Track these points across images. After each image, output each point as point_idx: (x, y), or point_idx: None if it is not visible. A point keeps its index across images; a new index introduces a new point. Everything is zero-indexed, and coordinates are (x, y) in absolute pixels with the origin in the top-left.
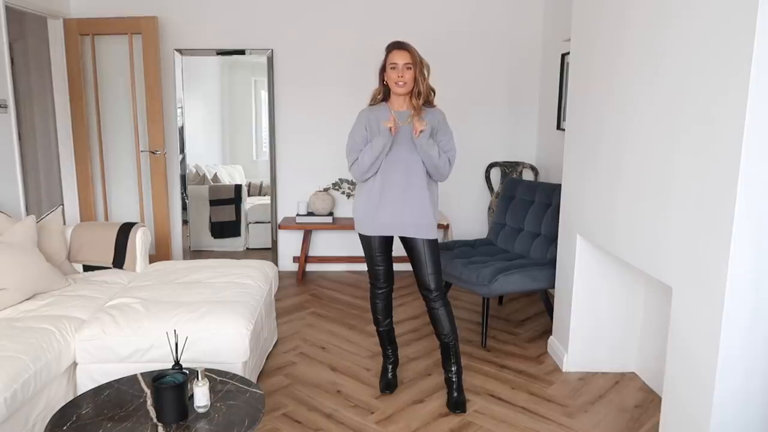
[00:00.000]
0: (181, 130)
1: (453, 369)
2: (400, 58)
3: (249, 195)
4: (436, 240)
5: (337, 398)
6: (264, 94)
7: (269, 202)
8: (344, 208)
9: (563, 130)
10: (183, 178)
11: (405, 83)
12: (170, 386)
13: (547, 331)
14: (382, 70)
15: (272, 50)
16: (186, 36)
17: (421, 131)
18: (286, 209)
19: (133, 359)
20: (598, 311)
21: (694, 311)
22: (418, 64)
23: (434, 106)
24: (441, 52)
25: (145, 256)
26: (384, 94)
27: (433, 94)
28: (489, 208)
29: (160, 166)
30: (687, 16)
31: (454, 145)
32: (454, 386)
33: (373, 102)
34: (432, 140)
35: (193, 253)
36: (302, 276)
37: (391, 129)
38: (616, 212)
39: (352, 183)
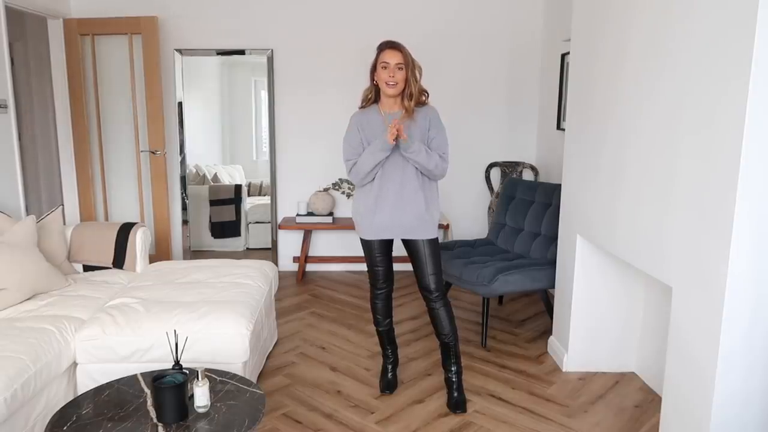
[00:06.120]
0: (181, 130)
1: (453, 369)
2: (391, 58)
3: (249, 195)
4: (437, 239)
5: (337, 398)
6: (264, 94)
7: (269, 202)
8: (344, 208)
9: (563, 130)
10: (183, 178)
11: (396, 83)
12: (170, 386)
13: (547, 331)
14: (373, 69)
15: (272, 50)
16: (186, 36)
17: (400, 136)
18: (286, 209)
19: (133, 359)
20: (598, 311)
21: (694, 311)
22: (410, 65)
23: (427, 104)
24: (441, 52)
25: (145, 256)
26: (375, 94)
27: (426, 95)
28: (489, 208)
29: (160, 166)
30: (688, 17)
31: (446, 141)
32: (454, 386)
33: (364, 104)
34: (418, 146)
35: (193, 253)
36: (302, 276)
37: (394, 137)
38: (617, 212)
39: (352, 183)
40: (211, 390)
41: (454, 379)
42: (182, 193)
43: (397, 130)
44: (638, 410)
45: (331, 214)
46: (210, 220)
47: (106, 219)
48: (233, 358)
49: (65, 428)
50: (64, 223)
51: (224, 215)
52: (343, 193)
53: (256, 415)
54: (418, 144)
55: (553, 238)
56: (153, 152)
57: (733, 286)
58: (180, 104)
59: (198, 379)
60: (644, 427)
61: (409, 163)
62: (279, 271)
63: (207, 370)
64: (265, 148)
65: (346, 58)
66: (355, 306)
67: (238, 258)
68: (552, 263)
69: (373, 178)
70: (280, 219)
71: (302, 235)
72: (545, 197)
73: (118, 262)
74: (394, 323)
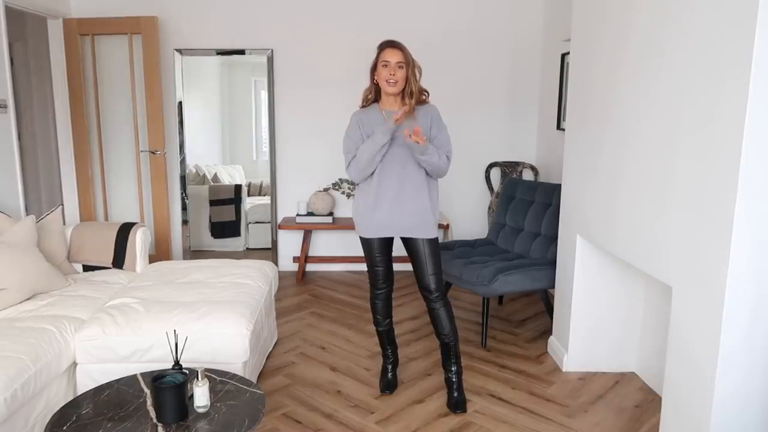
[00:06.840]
0: (181, 130)
1: (453, 369)
2: (392, 56)
3: (249, 195)
4: (437, 239)
5: (337, 398)
6: (264, 94)
7: (269, 202)
8: (344, 208)
9: (563, 130)
10: (183, 178)
11: (396, 81)
12: (170, 386)
13: (547, 331)
14: (374, 68)
15: (272, 50)
16: (186, 36)
17: (414, 137)
18: (286, 209)
19: (133, 359)
20: (598, 311)
21: (694, 311)
22: (410, 64)
23: (427, 103)
24: (441, 52)
25: (145, 256)
26: (375, 93)
27: (426, 95)
28: (489, 208)
29: (160, 166)
30: (688, 16)
31: (449, 140)
32: (454, 386)
33: (365, 103)
34: (432, 148)
35: (193, 253)
36: (302, 276)
37: (397, 119)
38: (616, 212)
39: (352, 183)
40: (211, 390)
41: (454, 379)
42: (182, 193)
43: (416, 133)
44: (638, 410)
45: (331, 214)
46: (210, 220)
47: (106, 219)
48: (233, 358)
49: (65, 428)
50: (64, 223)
51: (224, 215)
52: (343, 193)
53: (256, 415)
54: (432, 146)
55: (553, 238)
56: (153, 152)
57: (733, 286)
58: (180, 104)
59: (198, 379)
60: (644, 427)
61: (410, 161)
62: (279, 271)
63: (207, 370)
64: (265, 148)
65: (346, 58)
66: (355, 306)
67: (238, 258)
68: (552, 263)
69: (373, 175)
70: (280, 219)
71: (302, 235)
72: (545, 197)
73: (118, 262)
74: (394, 323)
